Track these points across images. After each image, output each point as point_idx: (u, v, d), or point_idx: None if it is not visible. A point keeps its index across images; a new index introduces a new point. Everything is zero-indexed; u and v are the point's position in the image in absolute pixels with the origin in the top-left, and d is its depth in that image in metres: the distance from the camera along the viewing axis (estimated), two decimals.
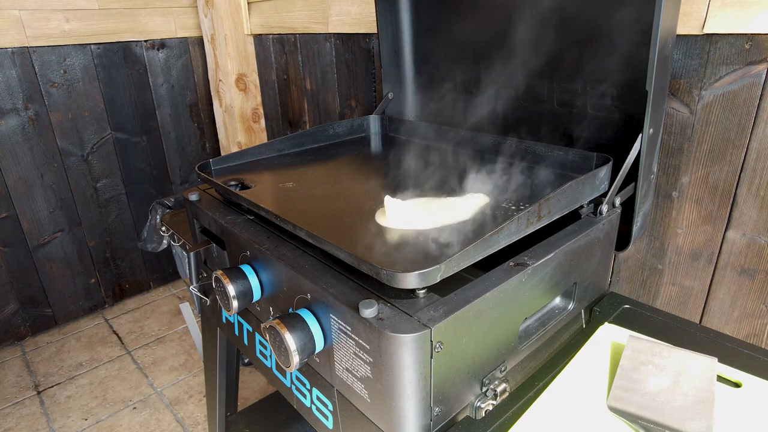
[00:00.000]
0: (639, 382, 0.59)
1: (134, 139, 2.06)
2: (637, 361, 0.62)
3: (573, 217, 0.71)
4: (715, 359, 0.61)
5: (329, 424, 0.66)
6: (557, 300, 0.73)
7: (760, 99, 0.74)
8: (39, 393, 1.71)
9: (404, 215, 0.68)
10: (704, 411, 0.54)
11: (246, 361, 1.65)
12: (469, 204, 0.72)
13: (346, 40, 1.45)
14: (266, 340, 0.63)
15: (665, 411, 0.55)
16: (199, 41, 2.11)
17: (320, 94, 1.63)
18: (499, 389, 0.60)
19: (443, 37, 1.03)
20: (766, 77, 0.73)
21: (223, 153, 2.12)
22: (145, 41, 1.99)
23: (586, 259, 0.71)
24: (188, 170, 2.24)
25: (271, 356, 0.77)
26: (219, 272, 0.69)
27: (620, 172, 0.71)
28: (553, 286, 0.66)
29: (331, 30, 1.46)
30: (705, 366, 0.60)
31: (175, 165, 2.20)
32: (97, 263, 2.08)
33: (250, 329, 0.81)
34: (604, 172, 0.71)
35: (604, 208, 0.72)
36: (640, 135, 0.71)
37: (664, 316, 0.75)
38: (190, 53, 2.11)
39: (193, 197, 0.85)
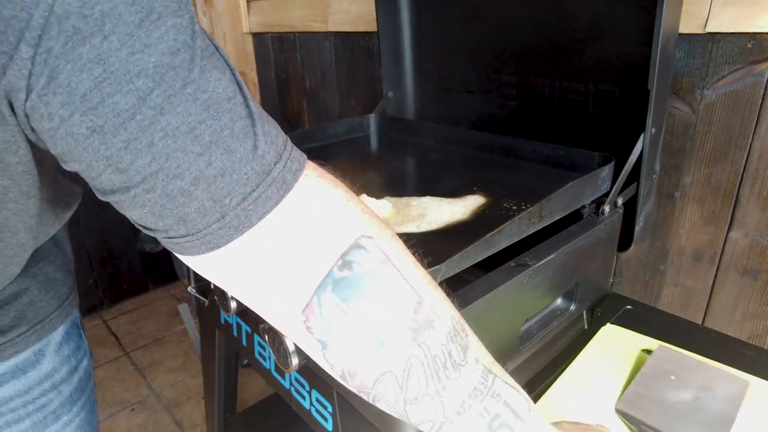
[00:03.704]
0: (656, 391, 0.58)
1: None
2: (660, 370, 0.60)
3: (575, 217, 0.71)
4: (748, 382, 0.57)
5: (329, 425, 0.65)
6: (558, 301, 0.73)
7: (763, 98, 0.73)
8: None
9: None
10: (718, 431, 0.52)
11: (245, 362, 1.64)
12: (466, 204, 0.72)
13: (346, 38, 1.44)
14: (265, 341, 0.62)
15: (676, 424, 0.54)
16: None
17: (320, 93, 1.62)
18: None
19: (443, 36, 1.03)
20: None
21: None
22: None
23: (588, 260, 0.70)
24: None
25: (269, 357, 0.76)
26: None
27: (622, 172, 0.71)
28: (555, 286, 0.65)
29: (331, 28, 1.45)
30: (734, 387, 0.57)
31: None
32: (95, 263, 2.07)
33: (249, 330, 0.80)
34: (606, 171, 0.71)
35: (606, 208, 0.71)
36: (642, 135, 0.70)
37: (666, 317, 0.74)
38: None
39: None
